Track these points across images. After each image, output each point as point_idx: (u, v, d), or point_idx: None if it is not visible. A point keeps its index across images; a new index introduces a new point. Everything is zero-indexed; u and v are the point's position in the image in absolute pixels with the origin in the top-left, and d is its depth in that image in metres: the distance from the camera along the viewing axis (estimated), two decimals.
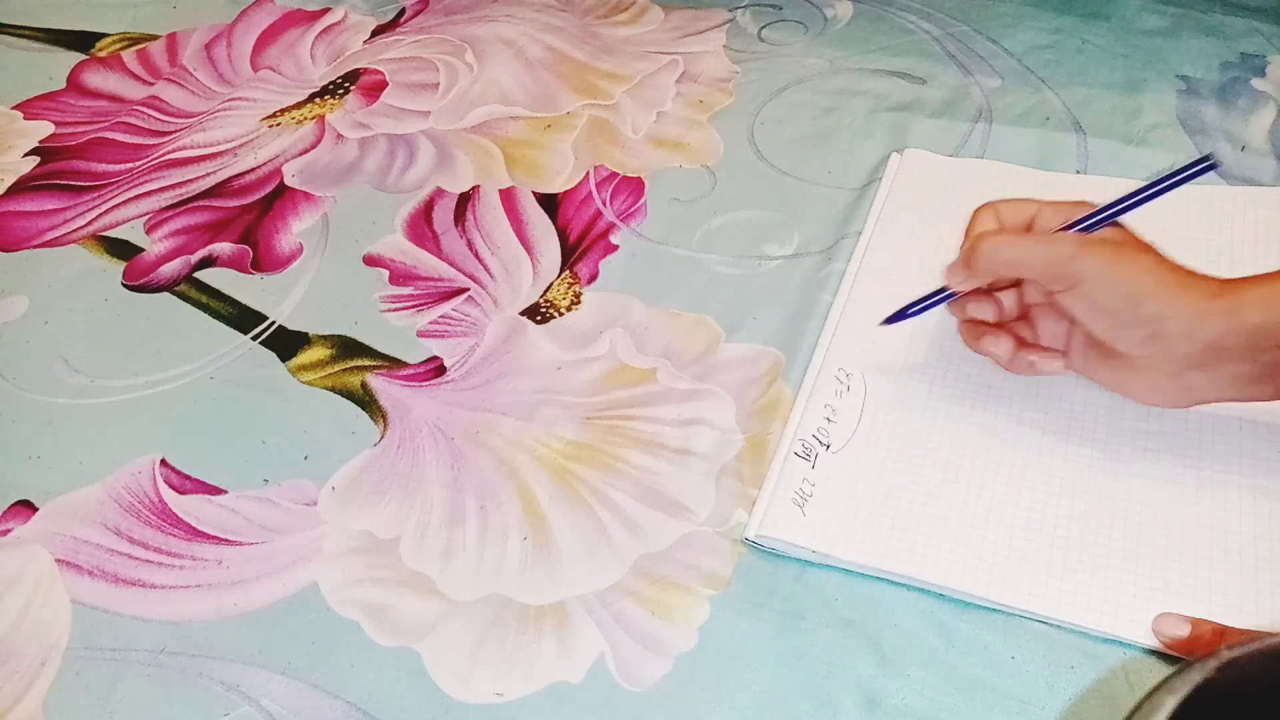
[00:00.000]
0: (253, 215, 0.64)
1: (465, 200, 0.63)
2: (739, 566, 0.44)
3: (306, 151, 0.68)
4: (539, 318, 0.56)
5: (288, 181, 0.66)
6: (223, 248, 0.61)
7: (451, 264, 0.59)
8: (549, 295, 0.57)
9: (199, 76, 0.76)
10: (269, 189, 0.65)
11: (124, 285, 0.60)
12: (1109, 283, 0.41)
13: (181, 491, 0.49)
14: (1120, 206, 0.43)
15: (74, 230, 0.64)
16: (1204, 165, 0.42)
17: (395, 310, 0.57)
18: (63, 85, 0.76)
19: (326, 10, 0.81)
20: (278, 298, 0.58)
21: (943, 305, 0.48)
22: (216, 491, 0.49)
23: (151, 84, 0.75)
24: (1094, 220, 0.43)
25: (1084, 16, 0.73)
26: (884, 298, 0.53)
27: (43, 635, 0.44)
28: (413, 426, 0.51)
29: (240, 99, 0.73)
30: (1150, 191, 0.43)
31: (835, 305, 0.54)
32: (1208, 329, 0.40)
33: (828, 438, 0.47)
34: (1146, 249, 0.42)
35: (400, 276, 0.59)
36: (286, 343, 0.56)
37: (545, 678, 0.41)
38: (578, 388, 0.52)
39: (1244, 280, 0.40)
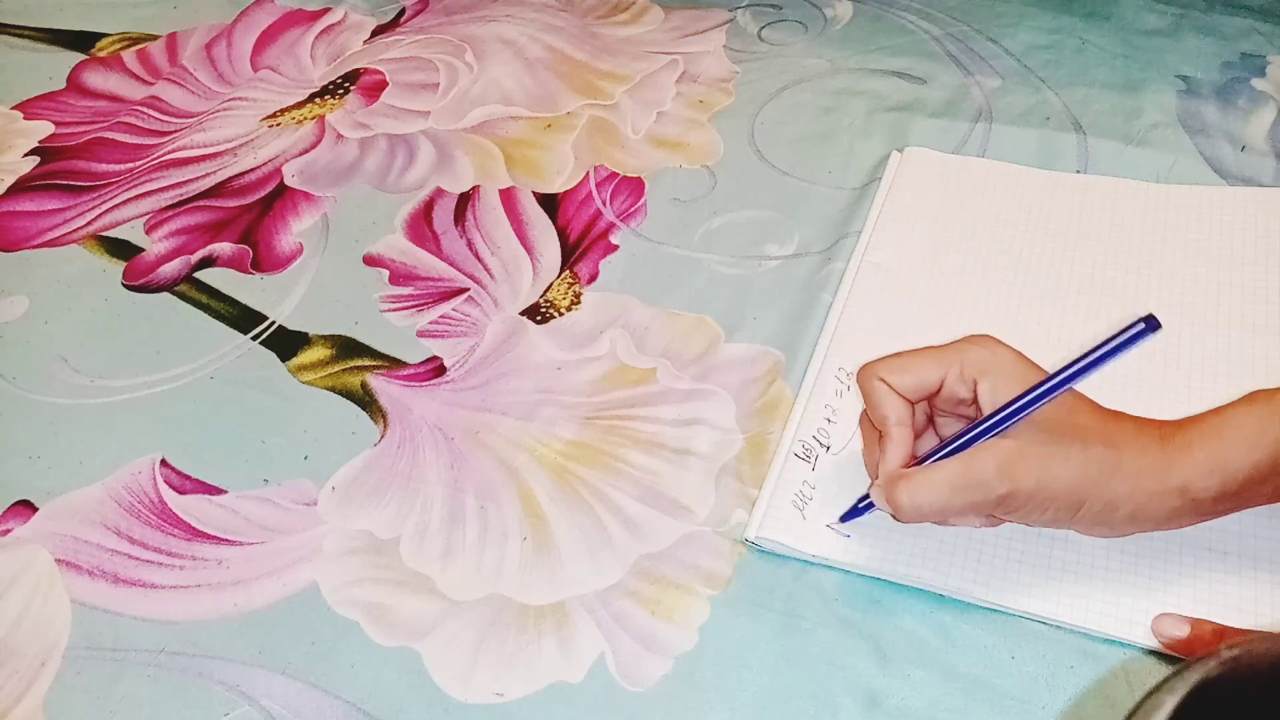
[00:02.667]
0: (253, 215, 0.64)
1: (465, 200, 0.63)
2: (739, 566, 0.44)
3: (306, 151, 0.68)
4: (539, 318, 0.56)
5: (288, 181, 0.66)
6: (223, 248, 0.61)
7: (451, 264, 0.59)
8: (549, 295, 0.57)
9: (199, 76, 0.75)
10: (269, 189, 0.65)
11: (124, 285, 0.60)
12: (1042, 503, 0.38)
13: (181, 491, 0.49)
14: (1051, 389, 0.38)
15: (74, 230, 0.64)
16: (1145, 330, 0.36)
17: (395, 310, 0.57)
18: (63, 85, 0.76)
19: (326, 10, 0.81)
20: (278, 298, 0.58)
21: None
22: (216, 491, 0.49)
23: (151, 84, 0.75)
24: (1020, 414, 0.38)
25: (1084, 16, 0.73)
26: (885, 296, 0.54)
27: (43, 635, 0.44)
28: (413, 426, 0.51)
29: (240, 99, 0.73)
30: (1085, 370, 0.37)
31: (836, 305, 0.54)
32: (1157, 511, 0.38)
33: (828, 439, 0.47)
34: (1074, 430, 0.38)
35: (400, 276, 0.59)
36: (286, 343, 0.56)
37: (545, 678, 0.41)
38: (578, 388, 0.52)
39: (1187, 439, 0.38)
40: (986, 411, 0.39)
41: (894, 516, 0.40)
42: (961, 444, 0.39)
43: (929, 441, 0.42)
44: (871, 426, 0.42)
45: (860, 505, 0.43)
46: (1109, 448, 0.38)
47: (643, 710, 0.40)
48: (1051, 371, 0.38)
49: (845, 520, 0.44)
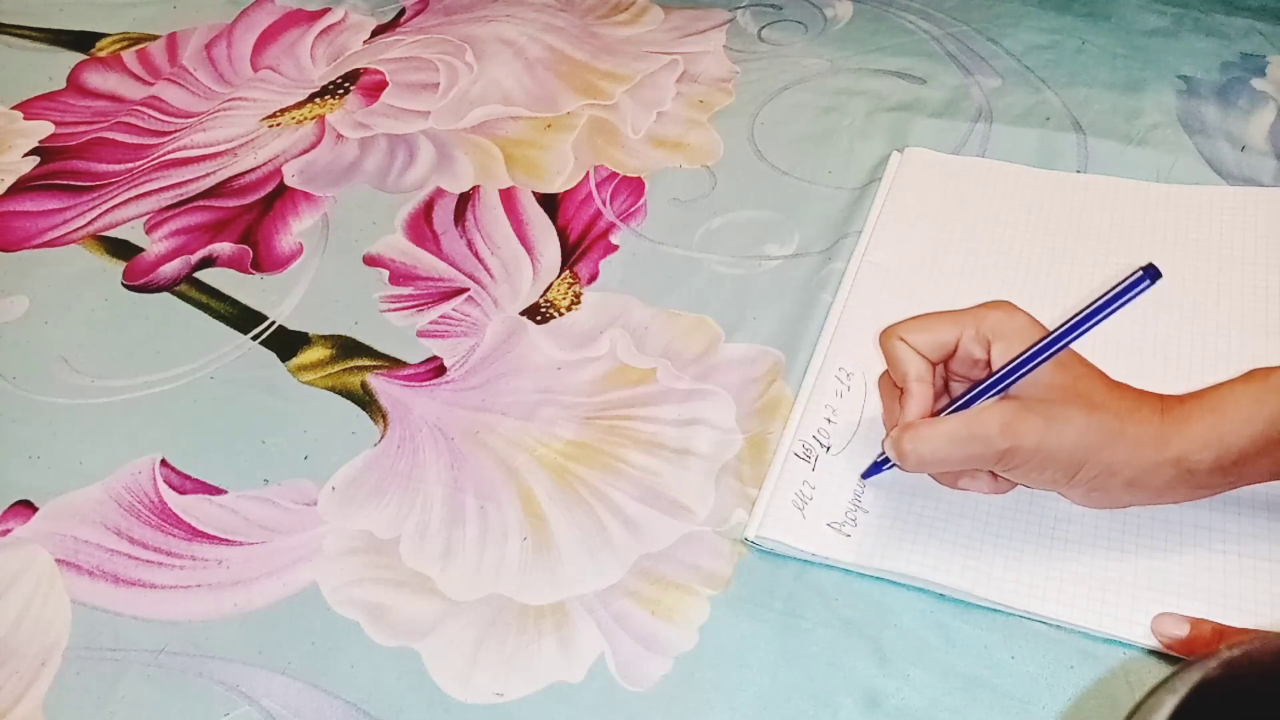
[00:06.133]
0: (253, 215, 0.64)
1: (465, 200, 0.63)
2: (739, 566, 0.44)
3: (306, 151, 0.68)
4: (539, 318, 0.56)
5: (288, 181, 0.66)
6: (223, 248, 0.61)
7: (451, 264, 0.59)
8: (549, 295, 0.57)
9: (199, 76, 0.76)
10: (269, 189, 0.65)
11: (124, 285, 0.60)
12: (1042, 461, 0.39)
13: (181, 491, 0.49)
14: (1055, 344, 0.39)
15: (74, 230, 0.64)
16: (1145, 279, 0.37)
17: (395, 310, 0.57)
18: (63, 85, 0.76)
19: (326, 10, 0.81)
20: (278, 298, 0.58)
21: None
22: (216, 491, 0.49)
23: (151, 84, 0.75)
24: (1025, 368, 0.39)
25: (1084, 16, 0.73)
26: (885, 296, 0.54)
27: (43, 635, 0.44)
28: (413, 426, 0.51)
29: (240, 99, 0.73)
30: (1087, 322, 0.38)
31: (836, 304, 0.54)
32: (1154, 480, 0.39)
33: (828, 439, 0.47)
34: (1079, 395, 0.39)
35: (400, 276, 0.59)
36: (286, 343, 0.56)
37: (545, 678, 0.41)
38: (578, 388, 0.52)
39: (1186, 412, 0.39)
40: None
41: (900, 466, 0.41)
42: (971, 398, 0.41)
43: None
44: (890, 388, 0.43)
45: (879, 461, 0.45)
46: (1112, 415, 0.38)
47: (643, 710, 0.40)
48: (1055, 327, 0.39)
49: (866, 477, 0.45)
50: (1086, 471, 0.39)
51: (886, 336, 0.42)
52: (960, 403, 0.41)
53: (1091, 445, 0.38)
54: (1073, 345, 0.39)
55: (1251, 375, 0.39)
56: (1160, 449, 0.38)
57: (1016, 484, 0.43)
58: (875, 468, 0.45)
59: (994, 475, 0.43)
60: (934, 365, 0.42)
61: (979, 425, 0.39)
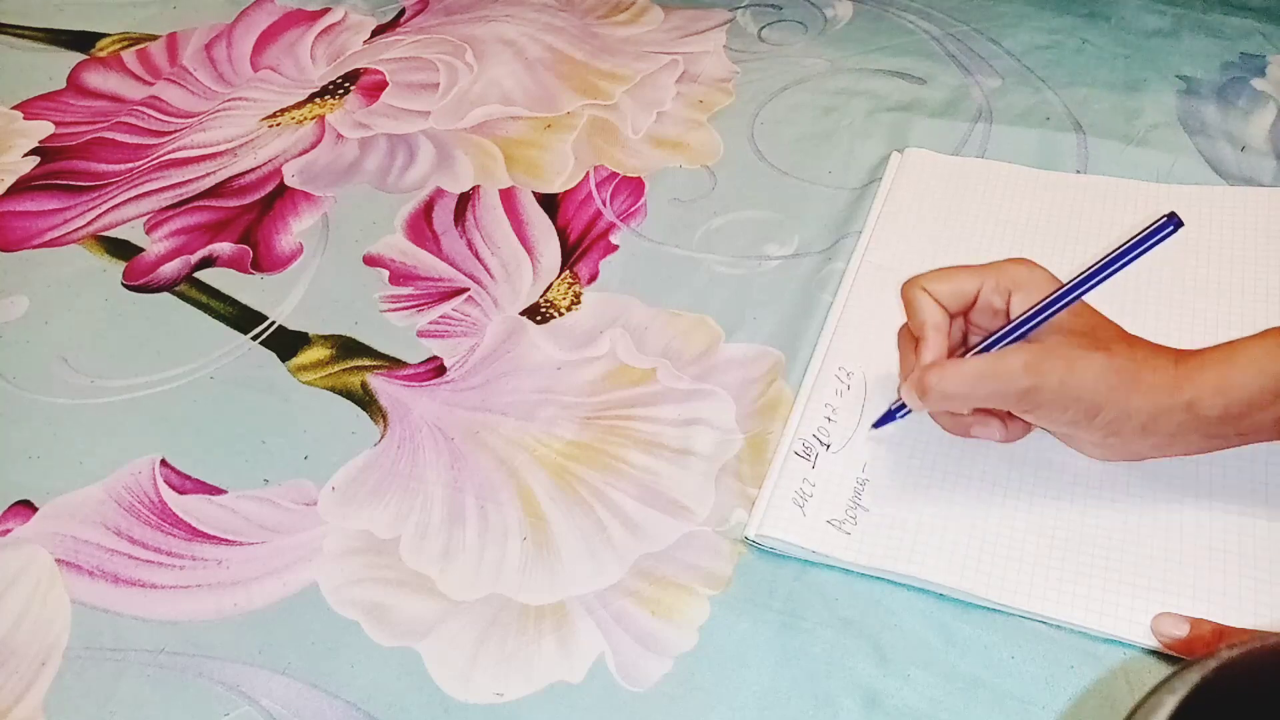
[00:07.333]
0: (253, 215, 0.64)
1: (465, 200, 0.63)
2: (739, 566, 0.44)
3: (306, 151, 0.68)
4: (539, 318, 0.56)
5: (288, 181, 0.66)
6: (223, 248, 0.61)
7: (451, 264, 0.59)
8: (549, 295, 0.57)
9: (199, 76, 0.76)
10: (269, 189, 0.65)
11: (124, 285, 0.60)
12: (1064, 401, 0.40)
13: (181, 491, 0.49)
14: (1076, 290, 0.40)
15: (74, 230, 0.64)
16: (1168, 225, 0.39)
17: (395, 310, 0.57)
18: (63, 85, 0.76)
19: (326, 10, 0.81)
20: (278, 298, 0.58)
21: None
22: (216, 491, 0.49)
23: (151, 84, 0.75)
24: (1046, 312, 0.41)
25: (1084, 16, 0.73)
26: (885, 296, 0.54)
27: (43, 635, 0.44)
28: (413, 426, 0.51)
29: (240, 99, 0.73)
30: (1108, 268, 0.40)
31: (835, 304, 0.54)
32: (1166, 425, 0.40)
33: (828, 437, 0.47)
34: (1098, 342, 0.40)
35: (400, 276, 0.59)
36: (286, 343, 0.56)
37: (545, 678, 0.41)
38: (578, 388, 0.52)
39: (1199, 362, 0.40)
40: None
41: (920, 405, 0.42)
42: (992, 342, 0.42)
43: None
44: (909, 339, 0.44)
45: (893, 409, 0.45)
46: (1129, 360, 0.40)
47: (643, 710, 0.40)
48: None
49: (877, 426, 0.46)
50: (1104, 415, 0.40)
51: (908, 286, 0.43)
52: (980, 348, 0.42)
53: (1111, 387, 0.39)
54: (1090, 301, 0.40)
55: (1267, 333, 0.40)
56: (1173, 393, 0.39)
57: (1026, 431, 0.44)
58: (888, 416, 0.46)
59: (1006, 421, 0.44)
60: (952, 317, 0.43)
61: (1003, 363, 0.40)
